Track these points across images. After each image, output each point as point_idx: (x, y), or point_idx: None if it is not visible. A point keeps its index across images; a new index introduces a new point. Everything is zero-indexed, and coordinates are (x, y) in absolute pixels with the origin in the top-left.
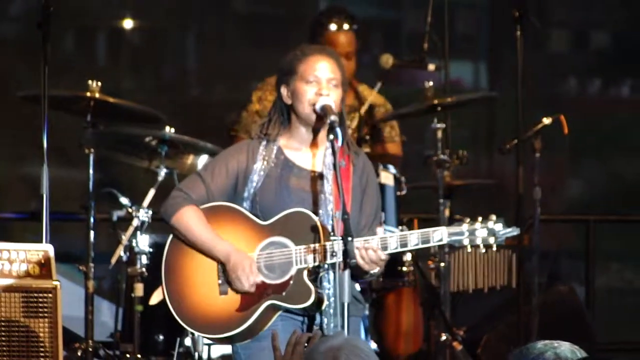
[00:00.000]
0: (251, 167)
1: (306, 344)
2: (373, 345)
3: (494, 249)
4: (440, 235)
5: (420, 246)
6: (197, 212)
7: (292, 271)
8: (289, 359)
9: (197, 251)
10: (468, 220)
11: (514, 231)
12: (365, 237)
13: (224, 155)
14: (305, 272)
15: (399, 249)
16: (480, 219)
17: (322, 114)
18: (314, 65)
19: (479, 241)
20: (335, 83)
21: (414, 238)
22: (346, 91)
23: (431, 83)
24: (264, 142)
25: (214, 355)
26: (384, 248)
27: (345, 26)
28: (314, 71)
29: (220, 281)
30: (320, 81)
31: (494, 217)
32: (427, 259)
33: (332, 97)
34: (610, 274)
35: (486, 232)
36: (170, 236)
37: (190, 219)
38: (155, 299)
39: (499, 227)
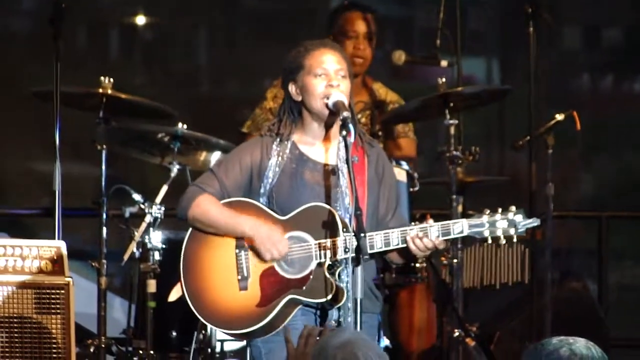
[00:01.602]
0: (266, 163)
1: (318, 337)
2: (386, 342)
3: (515, 240)
4: (460, 227)
5: (441, 238)
6: (213, 198)
7: (312, 265)
8: (301, 351)
9: (221, 244)
10: (488, 211)
11: (534, 222)
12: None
13: (237, 151)
14: (325, 267)
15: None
16: (500, 210)
17: (334, 110)
18: (320, 58)
19: (499, 232)
20: (343, 74)
21: (435, 230)
22: (353, 82)
23: (444, 79)
24: (277, 139)
25: (227, 351)
26: (403, 241)
27: (368, 9)
28: (321, 64)
29: (239, 277)
30: (329, 73)
31: (513, 208)
32: (439, 255)
33: (342, 88)
34: (623, 271)
35: (506, 223)
36: (188, 232)
37: (207, 205)
38: (174, 295)
39: (519, 218)
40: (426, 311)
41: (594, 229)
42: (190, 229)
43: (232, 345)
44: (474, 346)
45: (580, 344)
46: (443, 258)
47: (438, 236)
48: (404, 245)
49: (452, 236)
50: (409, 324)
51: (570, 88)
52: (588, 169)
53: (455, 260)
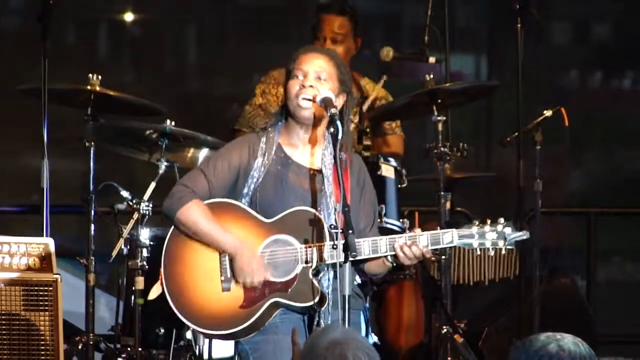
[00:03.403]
0: (252, 164)
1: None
2: (374, 338)
3: (503, 252)
4: (450, 237)
5: (430, 247)
6: (203, 206)
7: (297, 269)
8: None
9: (204, 244)
10: (477, 222)
11: (523, 235)
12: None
13: (225, 150)
14: (310, 271)
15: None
16: (489, 221)
17: (322, 106)
18: (301, 60)
19: (488, 244)
20: (324, 77)
21: (424, 239)
22: (347, 91)
23: (432, 76)
24: (263, 138)
25: (214, 348)
26: (392, 249)
27: (335, 10)
28: (300, 65)
29: (222, 278)
30: (307, 74)
31: (502, 220)
32: None
33: (317, 90)
34: (611, 267)
35: (496, 235)
36: (170, 231)
37: (196, 212)
38: (154, 293)
39: (508, 230)
40: (414, 308)
41: (582, 226)
42: (173, 226)
43: (219, 344)
44: (462, 343)
45: (568, 340)
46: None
47: (427, 245)
48: (392, 253)
49: (441, 245)
50: (397, 321)
51: (559, 84)
52: (576, 165)
53: (443, 257)
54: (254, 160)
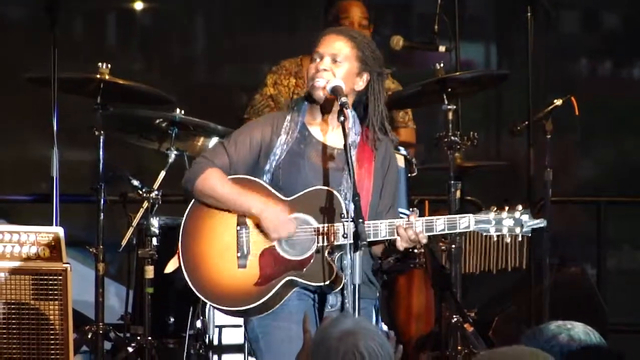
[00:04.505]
0: (275, 141)
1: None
2: (384, 328)
3: (519, 239)
4: (467, 222)
5: (447, 232)
6: (221, 173)
7: (314, 248)
8: None
9: (222, 211)
10: (495, 208)
11: (541, 223)
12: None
13: (248, 126)
14: (327, 251)
15: (425, 233)
16: (507, 207)
17: (333, 95)
18: (320, 43)
19: (505, 230)
20: (340, 59)
21: (440, 223)
22: (369, 70)
23: (442, 64)
24: (288, 116)
25: (224, 338)
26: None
27: None
28: (318, 48)
29: (239, 254)
30: (323, 56)
31: (520, 207)
32: (438, 241)
33: (331, 74)
34: (621, 255)
35: (513, 221)
36: (190, 205)
37: (215, 179)
38: (170, 267)
39: (525, 217)
40: (424, 297)
41: (593, 214)
42: (192, 201)
43: (229, 333)
44: (472, 332)
45: (579, 329)
46: (441, 244)
47: (444, 229)
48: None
49: (458, 230)
50: (407, 310)
51: (569, 73)
52: (586, 154)
53: (453, 246)
54: (277, 138)
